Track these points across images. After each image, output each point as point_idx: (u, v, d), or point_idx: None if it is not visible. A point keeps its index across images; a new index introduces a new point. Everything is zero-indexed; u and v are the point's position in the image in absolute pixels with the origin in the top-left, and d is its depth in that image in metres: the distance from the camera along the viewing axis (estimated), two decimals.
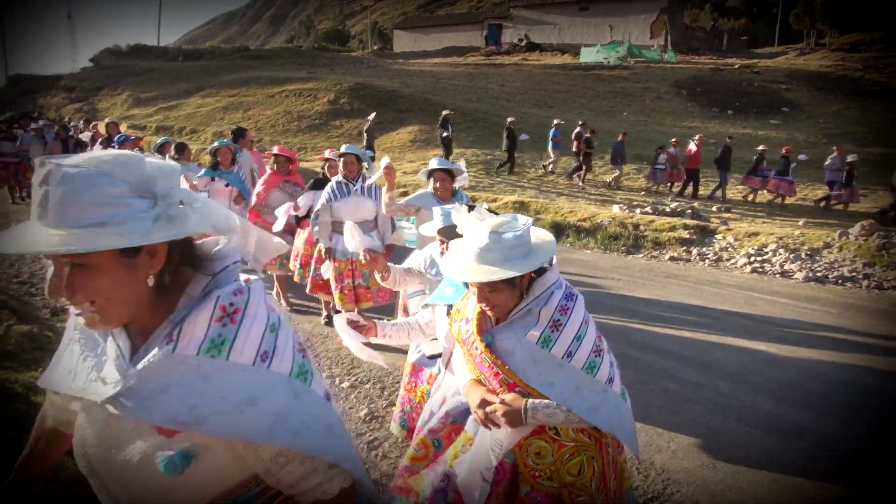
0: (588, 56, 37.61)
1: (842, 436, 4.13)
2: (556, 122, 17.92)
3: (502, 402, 1.96)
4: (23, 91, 38.48)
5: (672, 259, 10.09)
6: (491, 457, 2.03)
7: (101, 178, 1.01)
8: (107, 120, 12.31)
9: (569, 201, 13.69)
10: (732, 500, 3.36)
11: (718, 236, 10.74)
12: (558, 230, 11.31)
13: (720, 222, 11.55)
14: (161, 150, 7.95)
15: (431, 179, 4.73)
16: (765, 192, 15.31)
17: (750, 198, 15.39)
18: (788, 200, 15.02)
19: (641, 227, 11.07)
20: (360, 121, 22.48)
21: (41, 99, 35.90)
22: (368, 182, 5.42)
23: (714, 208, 13.98)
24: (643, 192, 15.89)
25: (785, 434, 4.12)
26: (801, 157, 14.76)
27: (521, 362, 1.96)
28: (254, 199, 6.42)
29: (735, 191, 16.07)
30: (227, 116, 25.66)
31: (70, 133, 15.44)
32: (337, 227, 5.41)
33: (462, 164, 4.93)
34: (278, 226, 6.01)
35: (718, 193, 15.41)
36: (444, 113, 17.41)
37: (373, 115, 19.04)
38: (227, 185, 6.56)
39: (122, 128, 13.27)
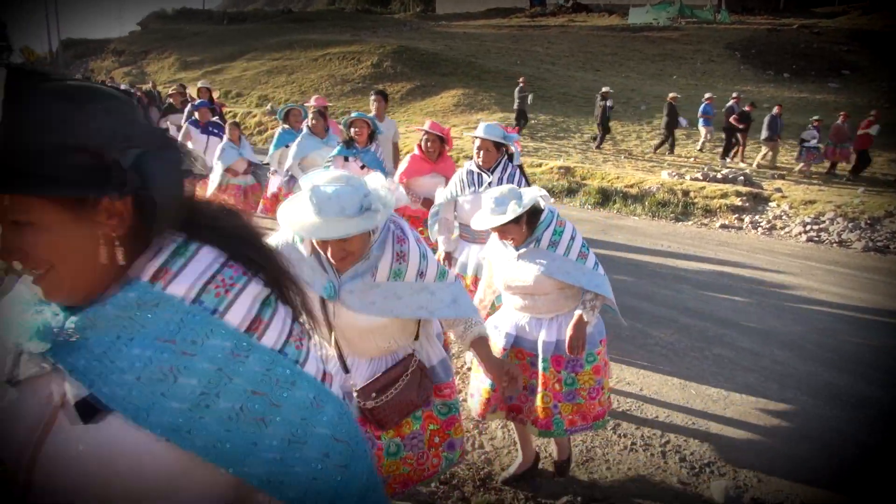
0: (637, 17, 36.28)
1: None
2: (707, 95, 15.43)
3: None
4: (75, 55, 39.33)
5: (723, 227, 9.84)
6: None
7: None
8: (199, 83, 11.73)
9: (615, 167, 13.41)
10: (790, 470, 3.31)
11: (772, 203, 10.41)
12: (605, 196, 11.12)
13: (774, 189, 11.16)
14: (287, 118, 6.80)
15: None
16: None
17: None
18: None
19: (691, 194, 10.80)
20: (403, 84, 22.28)
21: (92, 63, 36.63)
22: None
23: (768, 174, 13.51)
24: (796, 174, 13.71)
25: (846, 405, 4.02)
26: None
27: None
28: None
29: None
30: (272, 80, 25.77)
31: (165, 100, 15.42)
32: (464, 232, 4.06)
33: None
34: None
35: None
36: (604, 90, 15.36)
37: (522, 79, 16.83)
38: (362, 167, 5.29)
39: (216, 94, 12.90)
